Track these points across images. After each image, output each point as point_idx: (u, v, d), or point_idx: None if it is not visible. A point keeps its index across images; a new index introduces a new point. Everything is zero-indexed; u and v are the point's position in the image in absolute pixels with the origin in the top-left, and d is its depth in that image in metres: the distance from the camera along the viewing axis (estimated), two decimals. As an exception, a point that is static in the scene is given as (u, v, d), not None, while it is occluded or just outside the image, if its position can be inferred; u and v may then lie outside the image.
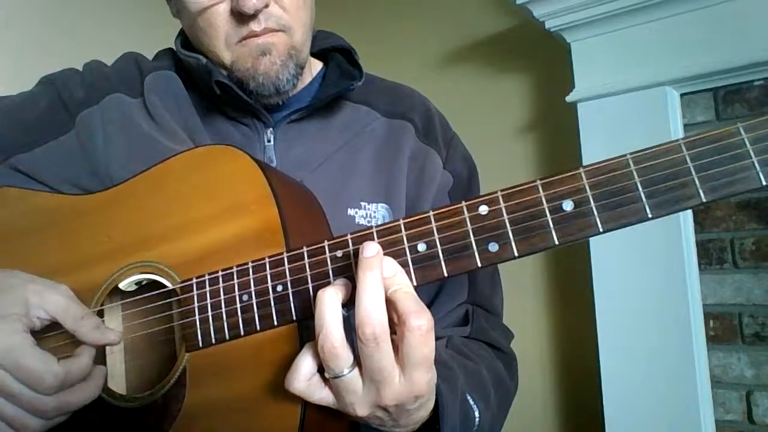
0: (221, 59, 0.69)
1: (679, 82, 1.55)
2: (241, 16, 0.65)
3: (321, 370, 0.49)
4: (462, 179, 0.80)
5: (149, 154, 0.66)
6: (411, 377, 0.46)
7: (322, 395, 0.49)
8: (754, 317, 1.50)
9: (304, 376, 0.48)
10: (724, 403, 1.52)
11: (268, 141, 0.73)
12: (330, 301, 0.47)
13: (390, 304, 0.47)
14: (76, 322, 0.56)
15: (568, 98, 1.68)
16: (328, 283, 0.50)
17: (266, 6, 0.65)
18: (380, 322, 0.45)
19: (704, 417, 1.48)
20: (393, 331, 0.49)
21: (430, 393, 0.51)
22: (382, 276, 0.47)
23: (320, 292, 0.47)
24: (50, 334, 0.59)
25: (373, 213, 0.71)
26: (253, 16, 0.65)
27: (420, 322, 0.45)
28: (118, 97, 0.73)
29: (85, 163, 0.71)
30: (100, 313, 0.62)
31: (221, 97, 0.71)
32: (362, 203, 0.71)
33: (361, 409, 0.48)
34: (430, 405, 0.54)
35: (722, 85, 1.54)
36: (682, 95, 1.60)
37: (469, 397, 0.63)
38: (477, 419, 0.63)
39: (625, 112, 1.59)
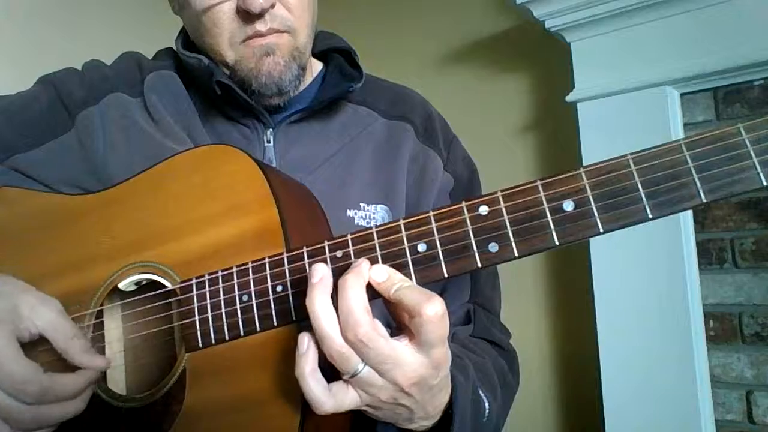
0: (224, 58, 0.69)
1: (679, 82, 1.55)
2: (247, 16, 0.65)
3: (331, 377, 0.49)
4: (463, 181, 0.80)
5: (149, 154, 0.66)
6: (431, 355, 0.47)
7: (351, 399, 0.48)
8: (754, 317, 1.49)
9: (324, 395, 0.47)
10: (724, 403, 1.52)
11: (268, 142, 0.73)
12: (322, 309, 0.47)
13: (396, 305, 0.47)
14: (67, 341, 0.55)
15: (568, 98, 1.68)
16: None
17: (272, 6, 0.65)
18: (358, 323, 0.45)
19: (704, 417, 1.48)
20: (398, 328, 0.49)
21: (448, 367, 0.52)
22: (365, 279, 0.47)
23: (308, 304, 0.47)
24: (40, 349, 0.57)
25: (372, 214, 0.71)
26: (259, 16, 0.65)
27: (435, 309, 0.45)
28: (118, 96, 0.73)
29: (84, 162, 0.71)
30: (100, 314, 0.62)
31: (221, 97, 0.71)
32: (361, 204, 0.71)
33: (385, 394, 0.48)
34: (449, 388, 0.54)
35: (722, 85, 1.54)
36: (682, 95, 1.60)
37: (480, 389, 0.63)
38: (487, 410, 0.63)
39: (625, 112, 1.59)
